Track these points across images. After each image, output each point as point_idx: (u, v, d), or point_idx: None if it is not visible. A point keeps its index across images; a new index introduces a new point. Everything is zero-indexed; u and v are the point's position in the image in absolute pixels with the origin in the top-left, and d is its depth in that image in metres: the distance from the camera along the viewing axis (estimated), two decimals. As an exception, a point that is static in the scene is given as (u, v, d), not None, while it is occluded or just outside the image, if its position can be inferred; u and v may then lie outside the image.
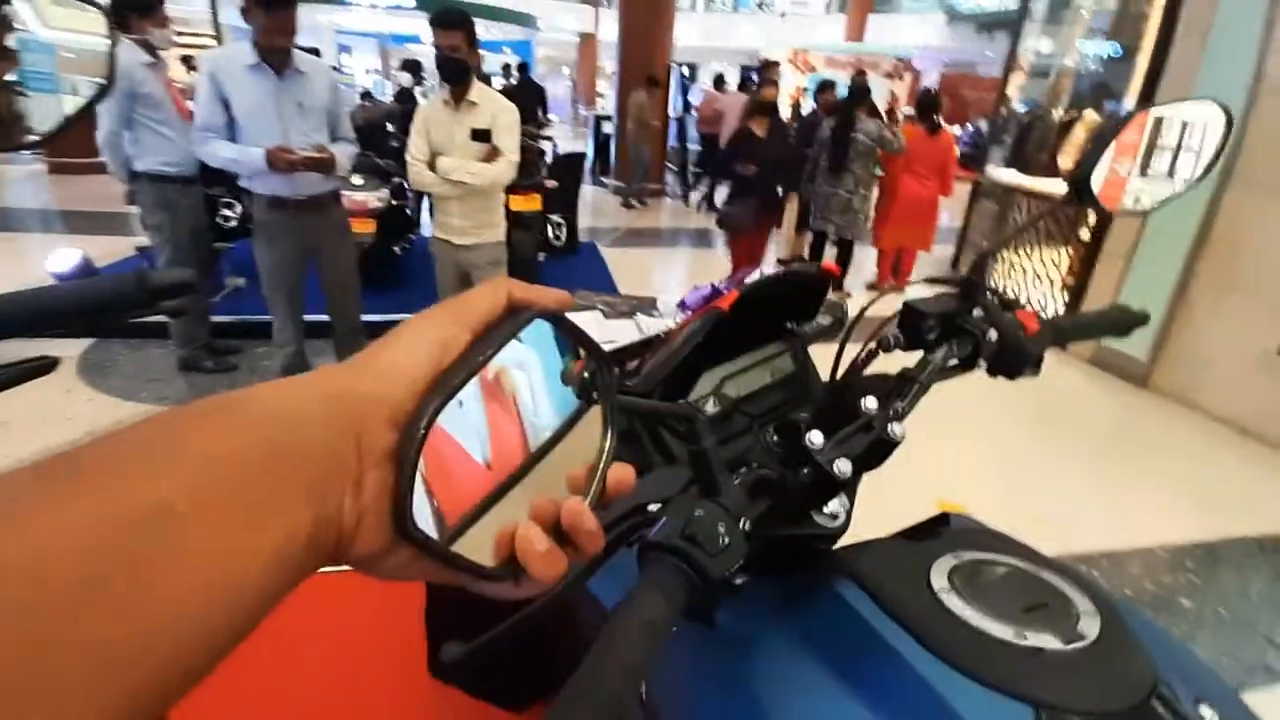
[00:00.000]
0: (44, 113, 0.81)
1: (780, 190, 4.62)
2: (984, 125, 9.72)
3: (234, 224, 4.22)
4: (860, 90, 4.96)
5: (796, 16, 18.75)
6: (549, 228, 5.06)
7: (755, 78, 6.76)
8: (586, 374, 0.34)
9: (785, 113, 8.05)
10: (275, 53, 2.22)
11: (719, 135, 8.02)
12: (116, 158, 2.92)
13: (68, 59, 0.95)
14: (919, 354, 0.64)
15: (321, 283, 2.64)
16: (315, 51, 3.88)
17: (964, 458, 2.95)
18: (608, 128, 9.72)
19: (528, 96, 7.58)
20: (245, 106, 2.25)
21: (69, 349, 3.58)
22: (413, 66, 6.92)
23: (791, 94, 12.92)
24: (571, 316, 0.35)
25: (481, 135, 2.47)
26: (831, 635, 0.48)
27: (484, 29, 13.84)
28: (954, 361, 0.65)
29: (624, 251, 6.31)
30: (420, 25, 13.33)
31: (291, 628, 1.88)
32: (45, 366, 0.72)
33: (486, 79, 8.01)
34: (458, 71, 2.47)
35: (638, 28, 8.37)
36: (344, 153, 2.43)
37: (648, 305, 2.16)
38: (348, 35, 14.02)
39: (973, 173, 6.29)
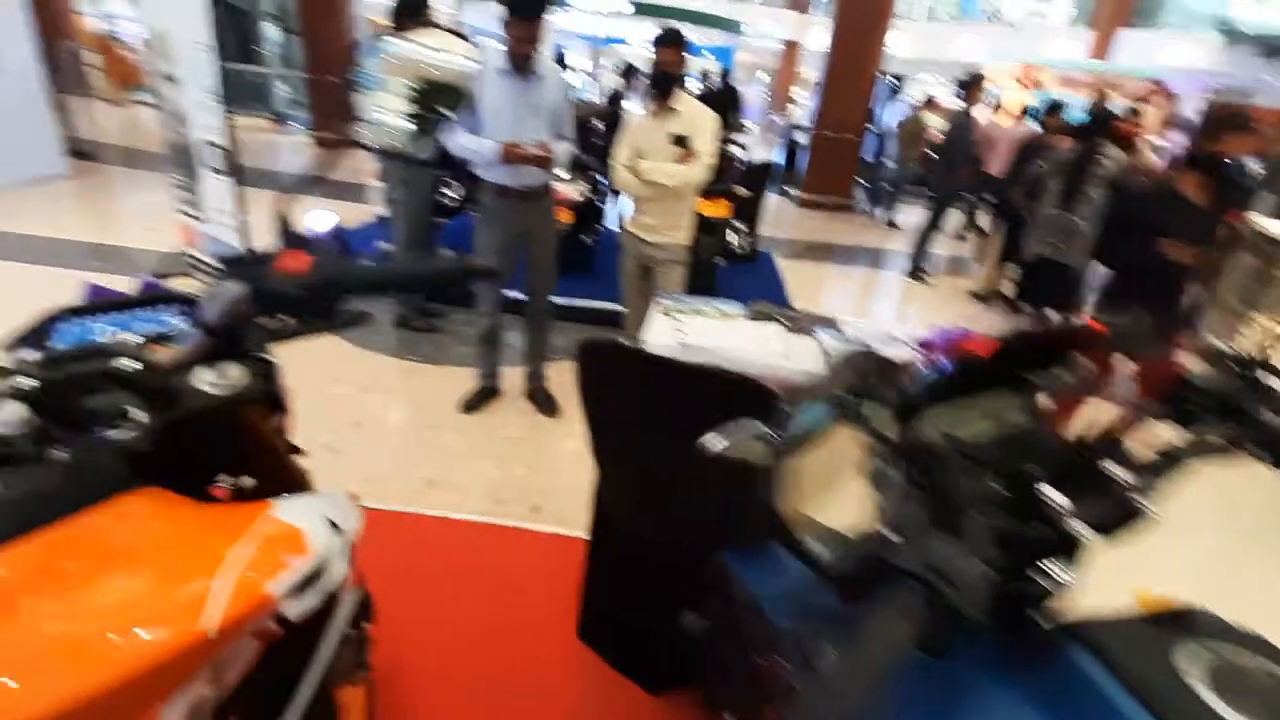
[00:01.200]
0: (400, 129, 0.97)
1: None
2: (1252, 163, 8.23)
3: (451, 203, 4.76)
4: (1104, 117, 4.51)
5: (1031, 29, 17.06)
6: (733, 235, 5.11)
7: (962, 93, 6.16)
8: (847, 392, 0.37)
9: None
10: (522, 58, 2.47)
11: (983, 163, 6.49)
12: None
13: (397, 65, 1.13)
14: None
15: (526, 264, 2.90)
16: (561, 60, 4.21)
17: (1173, 551, 2.55)
18: (800, 137, 9.56)
19: (726, 102, 7.66)
20: (489, 104, 2.54)
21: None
22: (628, 71, 7.20)
23: (1014, 113, 11.82)
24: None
25: (680, 140, 2.59)
26: (1060, 698, 0.47)
27: (688, 33, 14.22)
28: (1222, 443, 0.60)
29: (801, 265, 6.20)
30: (626, 28, 13.97)
31: (465, 572, 2.10)
32: (363, 316, 0.89)
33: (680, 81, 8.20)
34: (669, 83, 2.61)
35: (852, 34, 8.12)
36: (563, 150, 2.65)
37: (827, 324, 2.11)
38: (561, 36, 15.05)
39: (1234, 218, 5.37)
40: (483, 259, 2.83)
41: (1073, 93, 13.11)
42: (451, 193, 4.62)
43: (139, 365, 0.64)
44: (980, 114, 6.55)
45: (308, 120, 10.54)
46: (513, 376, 3.23)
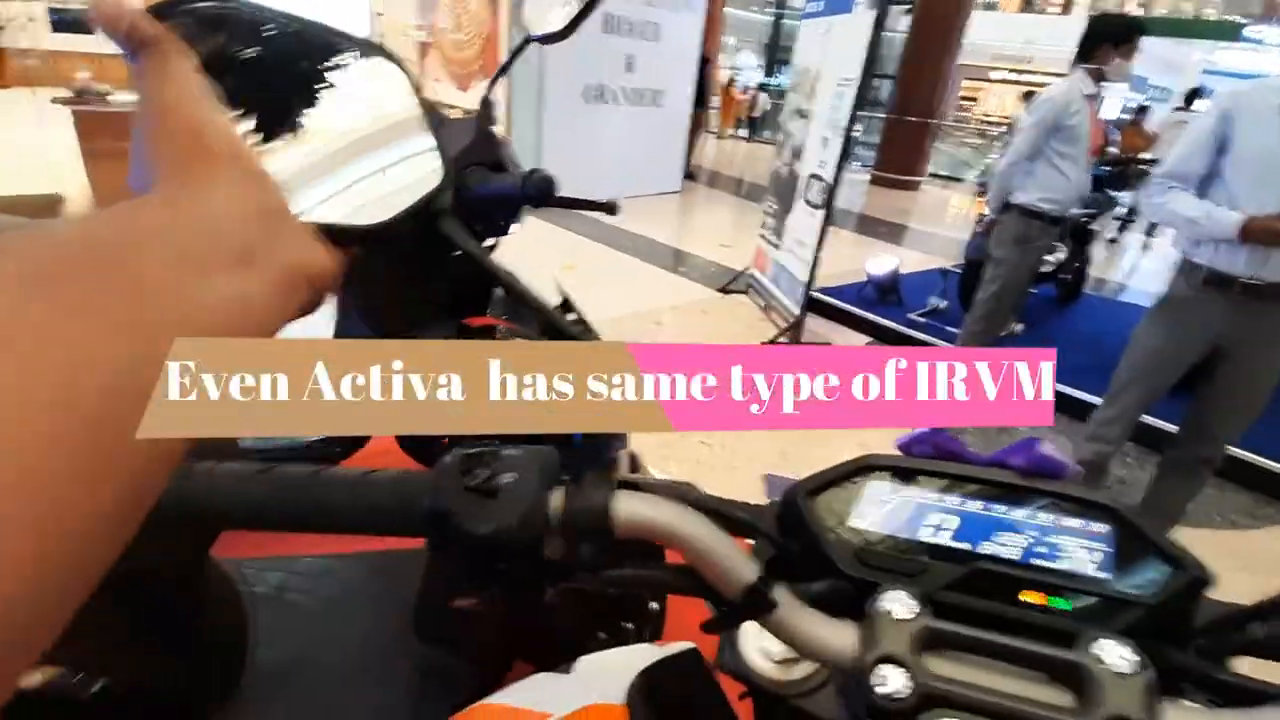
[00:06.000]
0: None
1: None
2: None
3: (1048, 268, 3.90)
4: None
5: None
6: None
7: None
8: None
9: None
10: None
11: None
12: (1003, 187, 2.86)
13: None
14: None
15: (1206, 387, 1.95)
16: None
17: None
18: None
19: None
20: (1251, 154, 1.69)
21: (853, 340, 4.03)
22: None
23: None
24: None
25: None
26: None
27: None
28: None
29: None
30: None
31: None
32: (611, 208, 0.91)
33: None
34: None
35: None
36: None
37: None
38: (1219, 76, 11.51)
39: None
40: (1132, 365, 2.02)
41: None
42: (1053, 257, 3.77)
43: None
44: None
45: (873, 160, 10.82)
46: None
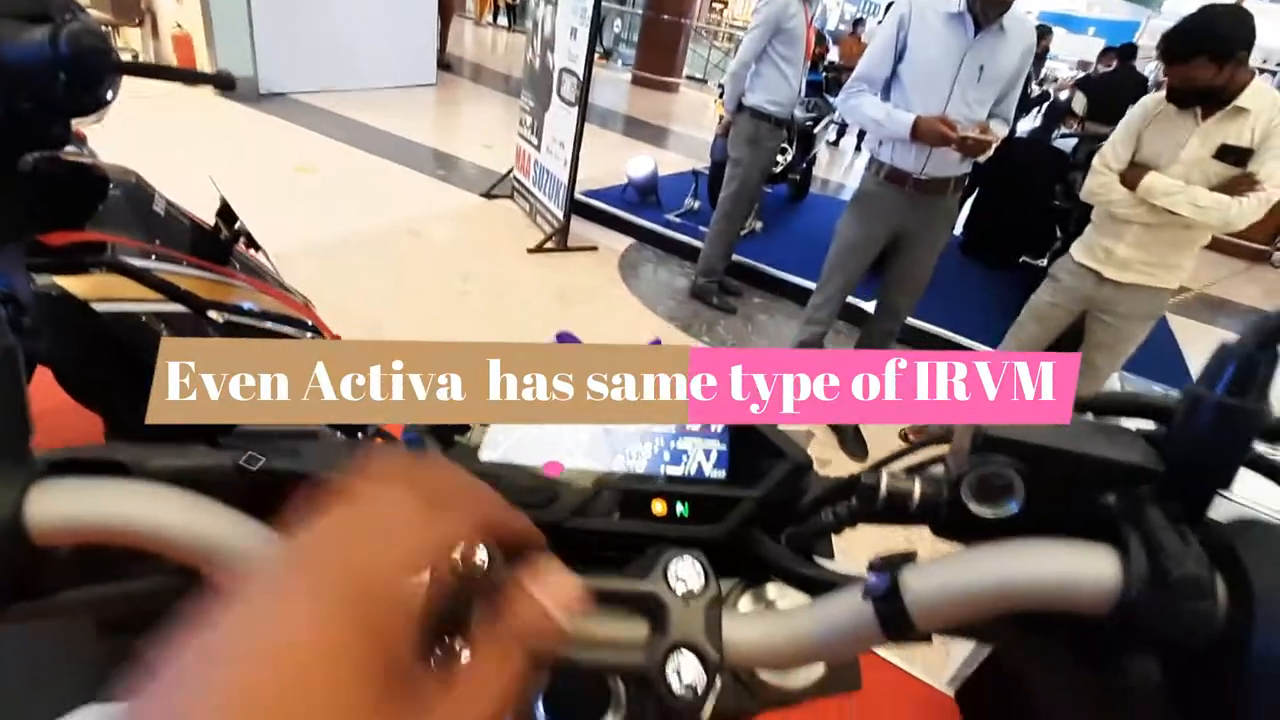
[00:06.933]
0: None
1: None
2: None
3: (780, 169, 4.26)
4: None
5: None
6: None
7: None
8: None
9: None
10: (994, 5, 1.81)
11: None
12: (735, 89, 3.00)
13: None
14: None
15: (888, 269, 2.31)
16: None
17: None
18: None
19: (1122, 91, 6.02)
20: (920, 60, 1.94)
21: (619, 243, 4.12)
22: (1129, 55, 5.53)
23: None
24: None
25: (1234, 154, 1.72)
26: None
27: (1084, 5, 11.54)
28: None
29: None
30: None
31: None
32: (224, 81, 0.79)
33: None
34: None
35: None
36: (998, 134, 1.97)
37: None
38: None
39: None
40: (836, 253, 2.32)
41: None
42: (782, 158, 4.12)
43: None
44: None
45: (632, 58, 10.78)
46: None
